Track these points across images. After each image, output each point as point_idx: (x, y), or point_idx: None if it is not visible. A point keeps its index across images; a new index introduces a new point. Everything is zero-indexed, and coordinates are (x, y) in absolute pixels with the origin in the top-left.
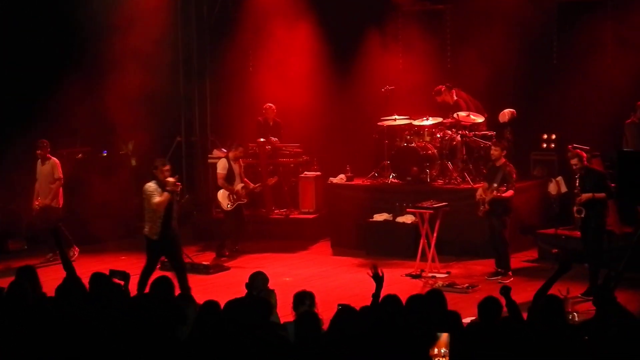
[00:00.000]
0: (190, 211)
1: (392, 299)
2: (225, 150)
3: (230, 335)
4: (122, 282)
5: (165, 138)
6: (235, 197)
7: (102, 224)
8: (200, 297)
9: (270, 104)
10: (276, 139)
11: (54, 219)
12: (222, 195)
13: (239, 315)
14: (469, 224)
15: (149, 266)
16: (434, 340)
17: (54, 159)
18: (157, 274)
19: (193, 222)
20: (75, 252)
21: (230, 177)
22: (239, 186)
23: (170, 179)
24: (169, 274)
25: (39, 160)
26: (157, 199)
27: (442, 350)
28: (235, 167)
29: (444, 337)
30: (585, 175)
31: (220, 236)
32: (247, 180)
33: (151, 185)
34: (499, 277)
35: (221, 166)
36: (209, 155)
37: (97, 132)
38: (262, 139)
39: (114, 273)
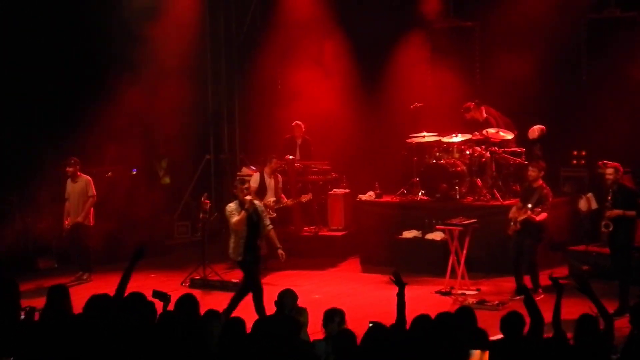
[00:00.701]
0: (219, 229)
1: (423, 319)
2: (254, 168)
3: (259, 353)
4: (161, 303)
5: (195, 156)
6: (270, 206)
7: (132, 242)
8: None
9: (298, 122)
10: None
11: (85, 237)
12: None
13: (268, 333)
14: (498, 241)
15: (252, 287)
16: (465, 358)
17: (86, 176)
18: (182, 291)
19: (222, 239)
20: (87, 275)
21: (261, 191)
22: (270, 199)
23: (247, 197)
24: (196, 292)
25: (69, 179)
26: (235, 218)
27: None
28: (270, 182)
29: (478, 354)
30: (617, 191)
31: None
32: (284, 196)
33: (231, 206)
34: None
35: (253, 179)
36: (238, 173)
37: (126, 150)
38: (290, 157)
39: (157, 294)
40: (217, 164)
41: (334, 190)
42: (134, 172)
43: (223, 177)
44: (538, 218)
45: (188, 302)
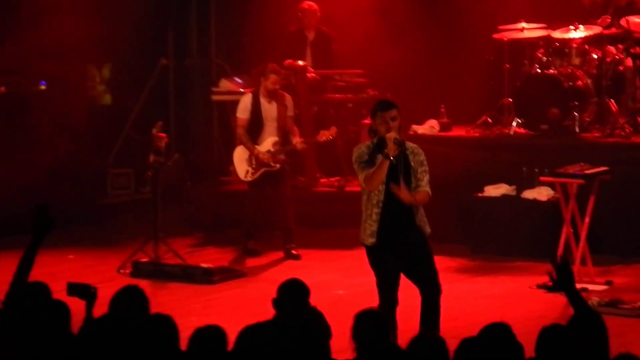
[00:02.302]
0: (180, 180)
1: (498, 333)
2: (240, 82)
3: None
4: (83, 301)
5: (146, 61)
6: (255, 160)
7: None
8: (197, 321)
9: (310, 2)
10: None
11: None
12: (238, 155)
13: (263, 351)
14: None
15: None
16: None
17: None
18: (121, 283)
19: (185, 197)
20: None
21: (256, 126)
22: (268, 141)
23: (391, 134)
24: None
25: None
26: (364, 172)
27: None
28: (270, 109)
29: None
30: None
31: (244, 221)
32: (297, 130)
33: (360, 148)
34: None
35: (241, 107)
36: (213, 89)
37: (31, 50)
38: (300, 62)
39: (74, 288)
40: (179, 75)
41: None
42: (43, 87)
43: (189, 94)
44: None
45: (130, 300)
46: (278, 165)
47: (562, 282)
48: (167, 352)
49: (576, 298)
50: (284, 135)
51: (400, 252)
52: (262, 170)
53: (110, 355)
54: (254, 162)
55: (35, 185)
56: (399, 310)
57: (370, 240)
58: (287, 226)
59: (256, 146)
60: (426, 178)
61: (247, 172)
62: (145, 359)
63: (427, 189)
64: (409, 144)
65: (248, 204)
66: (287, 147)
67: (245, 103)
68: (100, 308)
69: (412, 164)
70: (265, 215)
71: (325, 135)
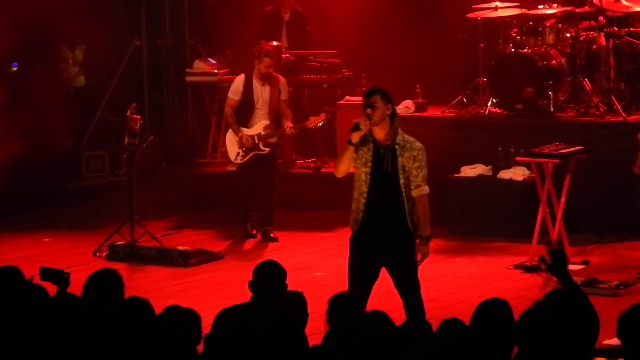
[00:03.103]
0: (155, 161)
1: (498, 304)
2: (214, 62)
3: None
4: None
5: (119, 41)
6: (239, 142)
7: (15, 185)
8: (174, 304)
9: None
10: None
11: None
12: (230, 138)
13: (239, 335)
14: (619, 183)
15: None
16: None
17: None
18: (97, 266)
19: (162, 180)
20: None
21: (247, 108)
22: (260, 124)
23: (364, 122)
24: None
25: None
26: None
27: None
28: (262, 92)
29: None
30: None
31: (239, 205)
32: (290, 114)
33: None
34: None
35: (233, 88)
36: (187, 70)
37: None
38: (274, 43)
39: (46, 273)
40: (152, 56)
41: (347, 98)
42: (15, 68)
43: (163, 75)
44: None
45: (105, 283)
46: (267, 149)
47: (556, 267)
48: (143, 335)
49: (569, 283)
50: (276, 119)
51: (383, 248)
52: (253, 153)
53: (87, 339)
54: (241, 144)
55: (9, 168)
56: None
57: (354, 229)
58: (269, 209)
59: (244, 129)
60: (422, 174)
61: (238, 154)
62: (121, 342)
63: (423, 187)
64: (404, 139)
65: (239, 187)
66: (278, 131)
67: (237, 84)
68: (77, 291)
69: (401, 159)
70: (254, 197)
71: (314, 122)
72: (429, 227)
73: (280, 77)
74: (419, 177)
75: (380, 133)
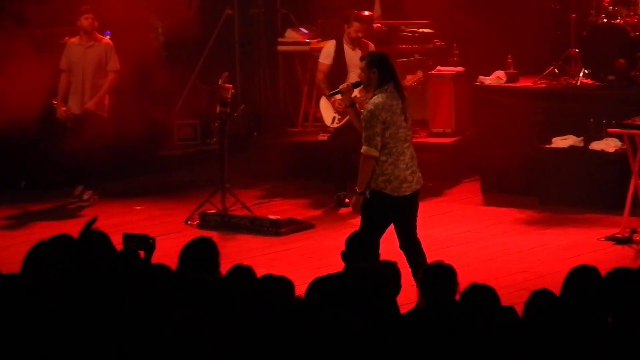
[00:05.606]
0: (247, 130)
1: (588, 271)
2: (306, 32)
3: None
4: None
5: (210, 11)
6: (336, 107)
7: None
8: (265, 273)
9: None
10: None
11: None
12: (324, 104)
13: (333, 302)
14: None
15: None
16: None
17: (107, 39)
18: (189, 235)
19: (253, 149)
20: (90, 194)
21: (340, 73)
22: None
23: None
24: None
25: (74, 40)
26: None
27: None
28: (354, 56)
29: None
30: None
31: (333, 172)
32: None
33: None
34: None
35: (324, 53)
36: (279, 39)
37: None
38: (366, 12)
39: (130, 239)
40: (244, 25)
41: (439, 68)
42: (108, 36)
43: (255, 45)
44: None
45: (202, 252)
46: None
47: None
48: (245, 303)
49: None
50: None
51: None
52: (349, 117)
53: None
54: (335, 108)
55: (102, 136)
56: None
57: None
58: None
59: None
60: (364, 134)
61: (334, 118)
62: (225, 308)
63: (363, 147)
64: (372, 100)
65: (333, 156)
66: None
67: (328, 49)
68: (169, 259)
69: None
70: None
71: (411, 80)
72: (363, 185)
73: (369, 42)
74: (363, 136)
75: (364, 96)
